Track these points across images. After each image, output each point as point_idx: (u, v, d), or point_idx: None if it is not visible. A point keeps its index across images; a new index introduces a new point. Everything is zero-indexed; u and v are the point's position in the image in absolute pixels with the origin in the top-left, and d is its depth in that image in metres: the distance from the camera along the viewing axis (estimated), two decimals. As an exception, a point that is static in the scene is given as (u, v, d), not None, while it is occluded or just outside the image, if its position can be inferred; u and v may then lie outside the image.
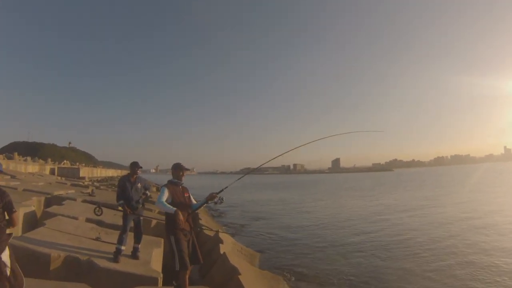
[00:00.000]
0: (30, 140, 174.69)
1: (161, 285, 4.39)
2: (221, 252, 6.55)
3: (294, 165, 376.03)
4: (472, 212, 16.31)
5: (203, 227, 9.68)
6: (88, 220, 6.70)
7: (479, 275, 6.96)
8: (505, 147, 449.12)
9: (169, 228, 3.92)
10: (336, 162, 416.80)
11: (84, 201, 9.31)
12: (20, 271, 2.81)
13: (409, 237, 11.11)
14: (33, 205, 7.63)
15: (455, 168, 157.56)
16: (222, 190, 4.23)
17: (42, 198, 9.05)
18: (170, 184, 4.12)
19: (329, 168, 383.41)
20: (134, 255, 4.99)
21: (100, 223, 6.54)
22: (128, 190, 5.09)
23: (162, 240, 6.00)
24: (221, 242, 7.60)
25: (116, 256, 4.70)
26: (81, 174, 42.66)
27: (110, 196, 11.32)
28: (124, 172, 11.96)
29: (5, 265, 2.65)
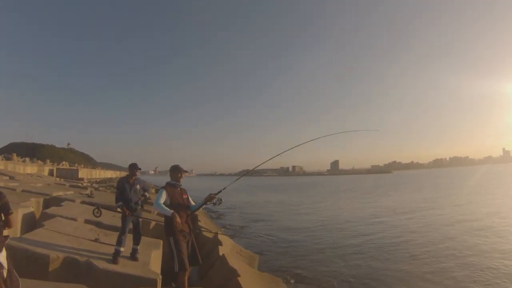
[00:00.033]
0: (28, 141, 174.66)
1: (160, 286, 4.38)
2: (220, 253, 6.55)
3: (293, 167, 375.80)
4: (471, 214, 16.35)
5: (202, 229, 9.67)
6: (87, 221, 6.68)
7: (477, 277, 6.98)
8: (503, 149, 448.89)
9: (168, 229, 3.93)
10: (335, 164, 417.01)
11: (83, 202, 9.28)
12: (16, 273, 2.80)
13: (408, 239, 11.13)
14: (32, 206, 7.62)
15: (454, 170, 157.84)
16: (220, 191, 4.25)
17: (41, 199, 9.03)
18: (169, 186, 4.13)
19: (328, 170, 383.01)
20: (133, 256, 4.97)
21: (99, 225, 6.52)
22: (127, 191, 5.09)
23: (161, 242, 5.99)
24: (220, 243, 7.60)
25: (115, 257, 4.69)
26: (79, 175, 42.51)
27: (109, 197, 11.30)
28: (123, 174, 11.96)
29: (2, 266, 2.64)
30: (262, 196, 36.41)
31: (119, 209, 5.11)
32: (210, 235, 8.88)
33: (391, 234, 12.19)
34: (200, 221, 11.56)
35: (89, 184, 23.78)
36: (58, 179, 28.71)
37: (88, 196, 11.45)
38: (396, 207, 20.71)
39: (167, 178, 4.42)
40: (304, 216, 18.46)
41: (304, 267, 8.16)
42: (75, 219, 6.62)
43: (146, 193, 5.38)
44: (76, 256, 4.45)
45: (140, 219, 5.31)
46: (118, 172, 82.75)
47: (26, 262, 4.06)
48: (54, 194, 10.21)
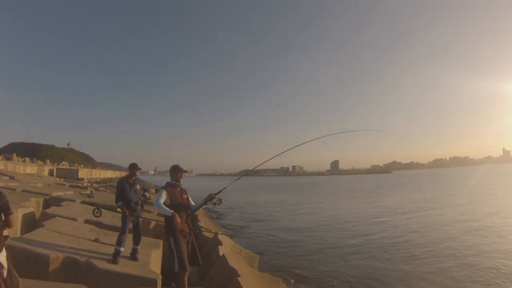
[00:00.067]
0: (28, 141, 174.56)
1: (160, 286, 4.38)
2: (220, 253, 6.55)
3: (293, 167, 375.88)
4: (471, 214, 16.35)
5: (202, 229, 9.67)
6: (87, 221, 6.69)
7: (478, 277, 6.97)
8: (503, 149, 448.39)
9: (168, 229, 3.92)
10: (335, 164, 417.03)
11: (83, 202, 9.28)
12: (16, 273, 2.80)
13: (408, 239, 11.13)
14: (32, 206, 7.61)
15: (454, 170, 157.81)
16: (220, 191, 4.25)
17: (41, 199, 9.03)
18: (168, 186, 4.13)
19: (328, 170, 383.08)
20: (133, 256, 4.98)
21: (99, 225, 6.52)
22: (127, 191, 5.09)
23: (161, 242, 5.99)
24: (220, 243, 7.60)
25: (115, 257, 4.69)
26: (79, 175, 42.49)
27: (109, 197, 11.31)
28: (123, 174, 11.95)
29: (2, 266, 2.64)
30: (262, 196, 36.41)
31: (119, 209, 5.12)
32: (210, 235, 8.88)
33: (391, 234, 12.19)
34: (200, 221, 11.56)
35: (89, 184, 23.77)
36: (58, 179, 28.70)
37: (88, 196, 11.45)
38: (396, 207, 20.71)
39: (167, 178, 4.41)
40: (304, 216, 18.46)
41: (304, 267, 8.16)
42: (75, 219, 6.63)
43: (146, 193, 5.38)
44: (76, 256, 4.45)
45: (140, 219, 5.31)
46: (118, 172, 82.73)
47: (26, 262, 4.06)
48: (54, 194, 10.21)
